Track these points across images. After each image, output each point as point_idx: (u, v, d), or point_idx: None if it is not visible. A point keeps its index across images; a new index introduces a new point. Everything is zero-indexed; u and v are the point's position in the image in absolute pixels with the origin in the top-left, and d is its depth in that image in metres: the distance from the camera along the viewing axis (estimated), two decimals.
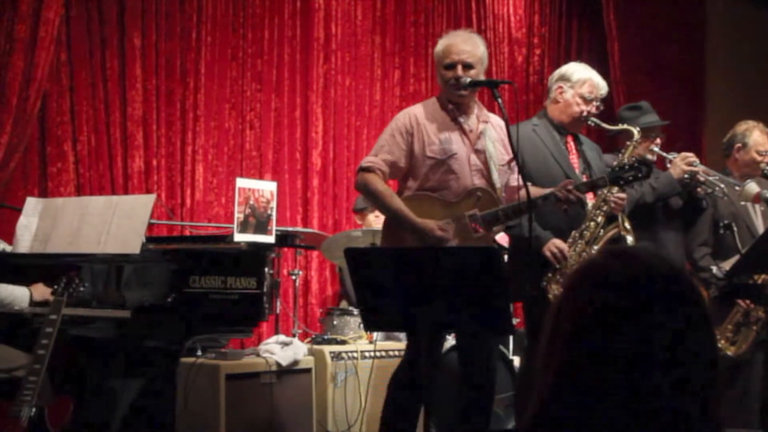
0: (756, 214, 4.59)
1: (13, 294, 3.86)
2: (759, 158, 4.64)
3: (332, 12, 6.48)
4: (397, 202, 3.57)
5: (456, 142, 3.64)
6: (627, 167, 3.67)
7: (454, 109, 3.69)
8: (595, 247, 3.78)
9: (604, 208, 3.82)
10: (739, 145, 4.69)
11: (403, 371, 3.59)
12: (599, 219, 3.82)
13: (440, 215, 3.51)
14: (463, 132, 3.67)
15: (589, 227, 3.81)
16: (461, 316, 2.83)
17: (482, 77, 3.69)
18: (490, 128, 3.73)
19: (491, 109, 7.19)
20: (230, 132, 5.95)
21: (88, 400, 4.10)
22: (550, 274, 3.75)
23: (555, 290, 3.73)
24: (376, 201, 3.70)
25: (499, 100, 3.48)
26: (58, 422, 3.40)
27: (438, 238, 3.45)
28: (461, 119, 3.69)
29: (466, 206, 3.55)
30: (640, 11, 7.77)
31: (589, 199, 3.91)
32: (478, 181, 3.62)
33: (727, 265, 4.36)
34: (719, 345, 4.34)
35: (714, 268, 4.38)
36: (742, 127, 4.73)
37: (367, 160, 3.67)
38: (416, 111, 3.73)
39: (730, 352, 4.37)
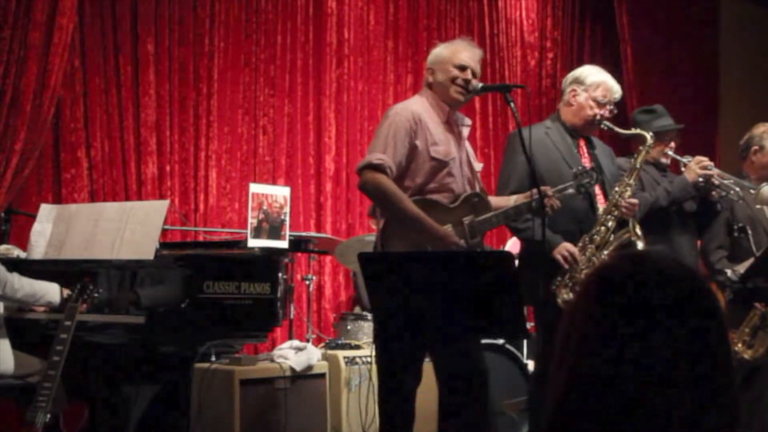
0: None
1: (46, 288, 3.89)
2: None
3: (345, 17, 6.49)
4: (413, 206, 3.39)
5: (453, 145, 3.56)
6: (584, 175, 3.66)
7: (449, 110, 3.60)
8: (605, 252, 3.76)
9: (615, 212, 3.81)
10: (756, 147, 4.66)
11: (390, 386, 3.48)
12: (610, 224, 3.80)
13: (441, 219, 3.44)
14: (455, 135, 3.60)
15: (600, 232, 3.79)
16: (475, 320, 2.82)
17: None
18: (466, 133, 3.69)
19: (504, 114, 7.27)
20: (243, 137, 5.97)
21: (102, 406, 4.11)
22: (559, 278, 3.73)
23: (564, 295, 3.71)
24: (389, 203, 3.42)
25: (512, 104, 3.45)
26: (73, 428, 3.41)
27: (457, 246, 3.42)
28: (452, 122, 3.61)
29: (463, 211, 3.49)
30: (652, 14, 7.77)
31: (600, 204, 3.89)
32: (468, 187, 3.56)
33: (742, 268, 4.33)
34: (737, 348, 4.32)
35: (728, 271, 4.35)
36: (760, 129, 4.70)
37: (377, 158, 3.40)
38: (415, 108, 3.55)
39: (747, 355, 4.34)
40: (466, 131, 3.68)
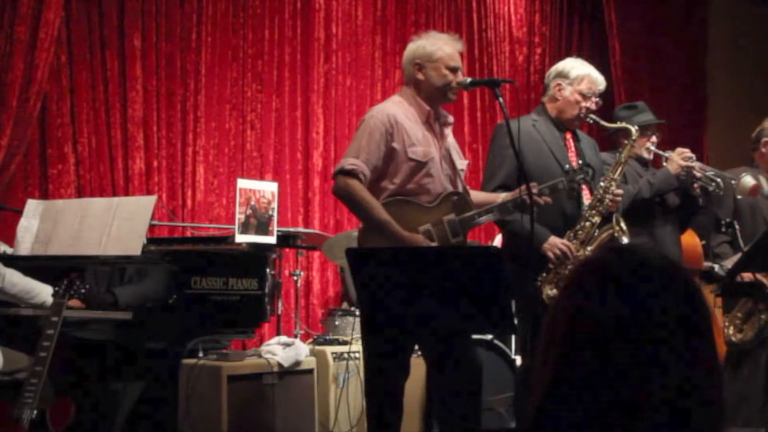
0: None
1: (41, 288, 3.86)
2: None
3: (333, 12, 6.48)
4: (383, 214, 3.39)
5: (432, 145, 3.55)
6: (577, 171, 3.67)
7: (431, 111, 3.59)
8: (589, 248, 3.76)
9: (600, 207, 3.81)
10: (766, 139, 4.72)
11: (377, 381, 3.49)
12: (595, 219, 3.80)
13: (419, 220, 3.43)
14: (434, 135, 3.59)
15: (585, 227, 3.79)
16: (462, 315, 2.82)
17: None
18: (449, 132, 3.70)
19: (492, 109, 7.27)
20: (231, 133, 5.95)
21: (89, 402, 4.10)
22: (544, 274, 3.73)
23: (548, 291, 3.71)
24: (359, 210, 3.47)
25: (501, 99, 3.44)
26: (60, 424, 3.40)
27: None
28: (432, 122, 3.60)
29: (443, 210, 3.48)
30: (640, 9, 7.79)
31: (586, 199, 3.89)
32: (449, 186, 3.55)
33: (730, 263, 4.35)
34: (728, 332, 4.36)
35: (716, 266, 4.38)
36: None
37: (350, 163, 3.42)
38: (392, 110, 3.54)
39: (736, 338, 4.38)
40: (448, 129, 3.67)
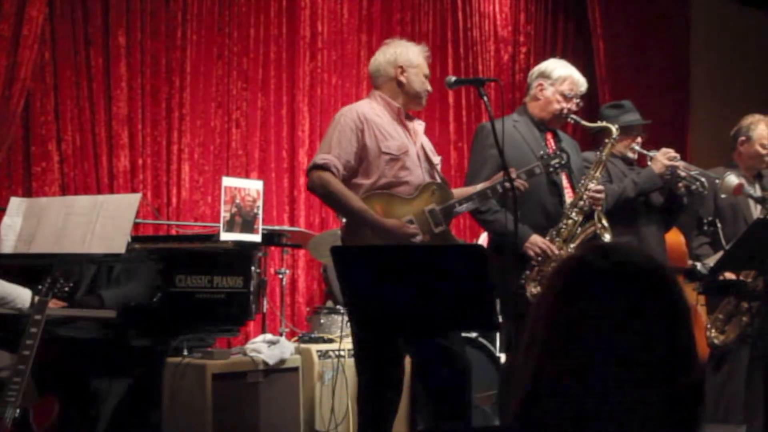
0: (755, 206, 4.62)
1: (16, 292, 3.81)
2: (763, 151, 4.69)
3: (318, 10, 6.47)
4: (360, 203, 3.44)
5: (406, 139, 3.61)
6: (552, 156, 3.69)
7: (401, 108, 3.67)
8: (572, 246, 3.78)
9: (580, 204, 3.83)
10: (743, 138, 4.74)
11: (370, 385, 3.51)
12: (577, 217, 3.83)
13: (399, 213, 3.47)
14: (407, 130, 3.66)
15: (567, 225, 3.81)
16: (447, 313, 2.83)
17: None
18: (421, 130, 3.75)
19: (477, 108, 7.28)
20: (216, 131, 5.93)
21: (73, 400, 4.08)
22: (527, 272, 3.75)
23: (532, 288, 3.73)
24: (335, 202, 3.53)
25: (485, 98, 3.47)
26: (44, 423, 3.39)
27: (407, 235, 3.43)
28: (404, 119, 3.68)
29: (423, 201, 3.52)
30: (625, 9, 7.83)
31: (569, 197, 3.91)
32: (428, 178, 3.60)
33: (712, 261, 4.38)
34: (711, 334, 4.39)
35: (698, 265, 4.41)
36: (748, 120, 4.78)
37: (322, 157, 3.49)
38: (361, 108, 3.63)
39: (718, 340, 4.40)
40: (420, 127, 3.73)
